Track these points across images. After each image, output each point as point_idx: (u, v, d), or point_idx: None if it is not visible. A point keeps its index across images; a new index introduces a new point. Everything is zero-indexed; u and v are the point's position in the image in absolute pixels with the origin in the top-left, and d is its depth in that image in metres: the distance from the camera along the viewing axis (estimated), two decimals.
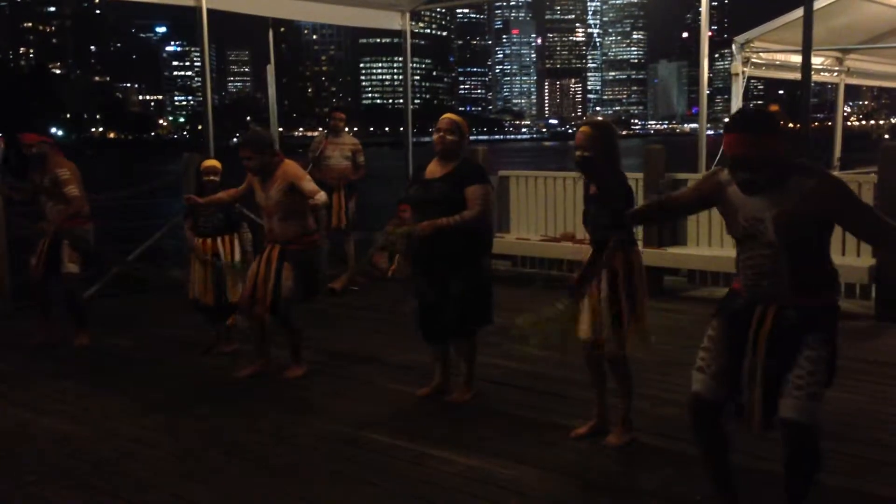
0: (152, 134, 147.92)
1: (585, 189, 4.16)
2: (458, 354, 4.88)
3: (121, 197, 9.52)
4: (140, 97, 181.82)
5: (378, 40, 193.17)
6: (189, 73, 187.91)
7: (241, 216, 6.28)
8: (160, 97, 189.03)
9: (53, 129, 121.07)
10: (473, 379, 4.91)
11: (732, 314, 3.02)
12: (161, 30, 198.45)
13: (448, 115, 4.81)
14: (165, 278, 8.54)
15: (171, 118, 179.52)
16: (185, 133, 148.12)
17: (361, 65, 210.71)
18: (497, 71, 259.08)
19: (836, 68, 12.07)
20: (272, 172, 5.22)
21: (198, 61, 11.21)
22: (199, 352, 6.02)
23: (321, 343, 6.20)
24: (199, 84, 9.30)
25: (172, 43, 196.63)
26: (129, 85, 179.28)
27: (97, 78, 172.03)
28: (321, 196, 5.24)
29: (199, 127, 13.10)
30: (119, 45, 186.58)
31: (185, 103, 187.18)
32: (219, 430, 4.49)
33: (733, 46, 9.85)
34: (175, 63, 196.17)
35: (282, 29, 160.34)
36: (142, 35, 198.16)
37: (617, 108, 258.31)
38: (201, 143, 8.95)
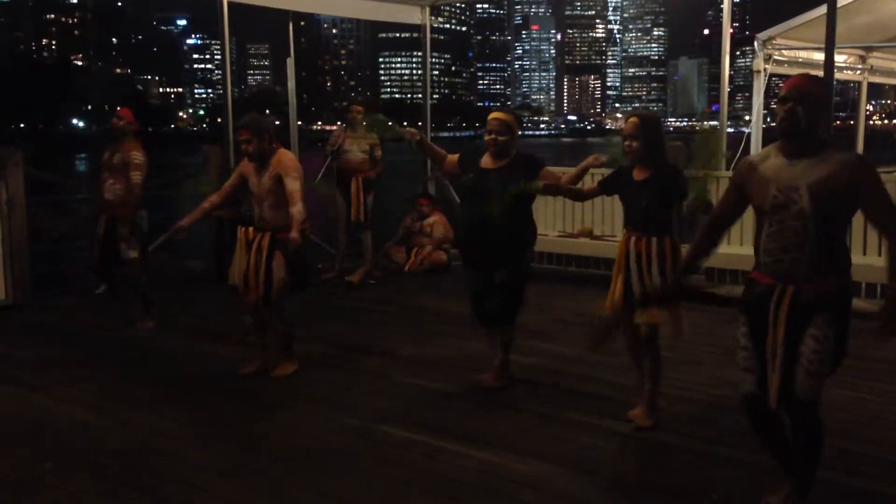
0: (172, 126, 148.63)
1: (620, 179, 4.29)
2: (498, 341, 5.00)
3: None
4: (160, 90, 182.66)
5: (397, 35, 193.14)
6: (209, 66, 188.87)
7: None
8: (180, 90, 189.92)
9: (74, 121, 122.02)
10: (508, 367, 5.01)
11: (754, 302, 3.15)
12: (182, 23, 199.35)
13: (496, 114, 4.83)
14: (185, 269, 8.62)
15: (190, 111, 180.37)
16: (204, 126, 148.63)
17: (380, 59, 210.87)
18: (516, 66, 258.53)
19: (859, 66, 11.94)
20: (267, 159, 5.14)
21: (218, 54, 11.24)
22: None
23: (337, 337, 6.22)
24: (219, 77, 9.32)
25: (193, 36, 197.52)
26: (149, 77, 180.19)
27: (118, 70, 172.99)
28: (298, 209, 5.01)
29: (219, 120, 13.15)
30: (140, 37, 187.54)
31: (204, 96, 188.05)
32: (236, 421, 4.52)
33: (755, 43, 9.76)
34: (195, 56, 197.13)
35: (301, 23, 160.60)
36: (163, 28, 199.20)
37: (636, 104, 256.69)
38: (221, 136, 8.99)
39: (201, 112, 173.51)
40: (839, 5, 7.96)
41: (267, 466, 3.90)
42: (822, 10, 8.26)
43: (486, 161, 4.81)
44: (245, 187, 5.31)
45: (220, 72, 9.55)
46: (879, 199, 3.02)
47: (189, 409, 4.72)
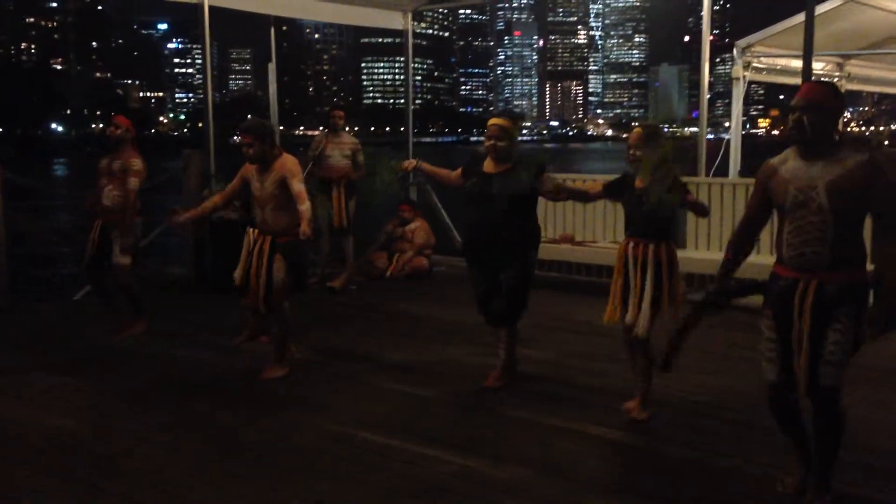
0: (153, 131, 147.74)
1: (624, 186, 4.45)
2: (502, 340, 5.10)
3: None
4: (141, 94, 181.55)
5: (380, 40, 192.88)
6: (190, 70, 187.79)
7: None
8: (161, 94, 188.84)
9: (54, 125, 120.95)
10: (512, 366, 5.12)
11: (778, 296, 3.33)
12: (163, 27, 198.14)
13: (495, 120, 4.94)
14: (165, 274, 8.57)
15: (171, 115, 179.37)
16: (185, 130, 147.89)
17: (363, 64, 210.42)
18: (498, 72, 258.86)
19: (837, 74, 12.07)
20: (270, 164, 5.22)
21: (199, 59, 11.21)
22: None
23: (319, 342, 6.21)
24: (200, 81, 9.30)
25: (174, 40, 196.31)
26: (130, 81, 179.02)
27: (98, 74, 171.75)
28: (307, 207, 5.14)
29: (200, 124, 13.10)
30: (121, 41, 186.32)
31: (185, 101, 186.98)
32: (217, 427, 4.50)
33: (734, 50, 9.85)
34: (177, 60, 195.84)
35: (284, 27, 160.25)
36: (144, 32, 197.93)
37: (618, 110, 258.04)
38: (202, 141, 8.96)
39: (182, 117, 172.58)
40: (817, 13, 8.05)
41: (247, 472, 3.88)
42: (801, 17, 8.34)
43: (488, 166, 4.94)
44: (248, 190, 5.38)
45: (201, 76, 9.52)
46: (890, 194, 3.19)
47: (169, 414, 4.69)
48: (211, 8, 8.48)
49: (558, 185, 4.75)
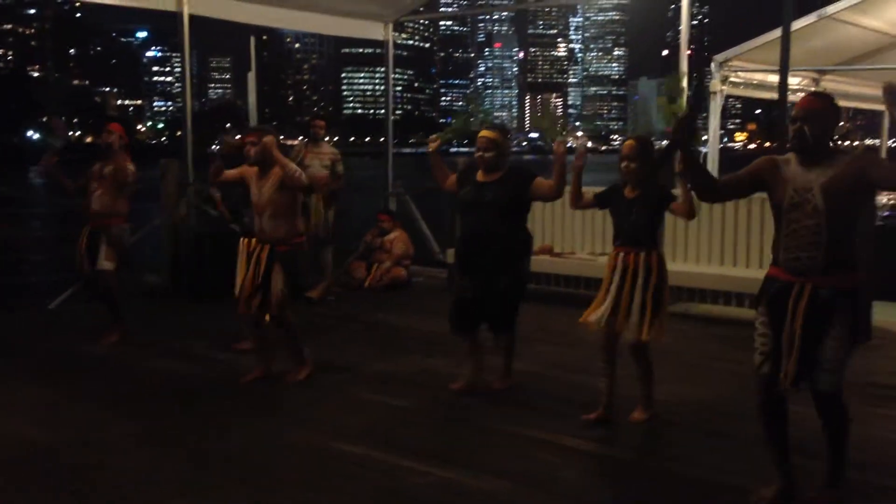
0: (130, 139, 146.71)
1: (614, 196, 4.57)
2: (499, 346, 5.23)
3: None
4: (119, 102, 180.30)
5: (361, 50, 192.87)
6: (170, 78, 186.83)
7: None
8: (139, 102, 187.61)
9: (30, 133, 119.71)
10: (512, 368, 5.24)
11: (773, 296, 3.44)
12: (142, 34, 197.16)
13: (483, 132, 5.06)
14: (141, 283, 8.50)
15: (149, 124, 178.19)
16: (163, 139, 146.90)
17: (343, 74, 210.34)
18: (479, 83, 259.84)
19: (813, 89, 12.21)
20: (269, 169, 5.24)
21: (178, 67, 11.16)
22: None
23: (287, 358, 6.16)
24: (179, 90, 9.27)
25: (153, 48, 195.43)
26: (108, 89, 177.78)
27: (76, 82, 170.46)
28: (299, 171, 5.19)
29: (178, 133, 13.02)
30: (99, 49, 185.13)
31: (164, 109, 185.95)
32: (191, 438, 4.45)
33: (712, 65, 9.94)
34: (156, 68, 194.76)
35: (264, 37, 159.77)
36: (122, 39, 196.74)
37: (597, 123, 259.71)
38: (180, 150, 8.90)
39: (161, 125, 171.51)
40: (793, 29, 8.15)
41: (222, 483, 3.84)
42: (777, 33, 8.44)
43: (480, 175, 5.05)
44: (246, 196, 5.46)
45: (180, 84, 9.48)
46: (884, 172, 3.30)
47: (143, 425, 4.64)
48: (190, 16, 8.45)
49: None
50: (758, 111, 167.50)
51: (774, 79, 8.50)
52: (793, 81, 10.49)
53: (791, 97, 10.56)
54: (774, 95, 8.56)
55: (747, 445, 4.28)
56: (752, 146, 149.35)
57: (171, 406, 4.98)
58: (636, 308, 4.37)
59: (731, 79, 10.03)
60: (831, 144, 3.41)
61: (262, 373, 5.44)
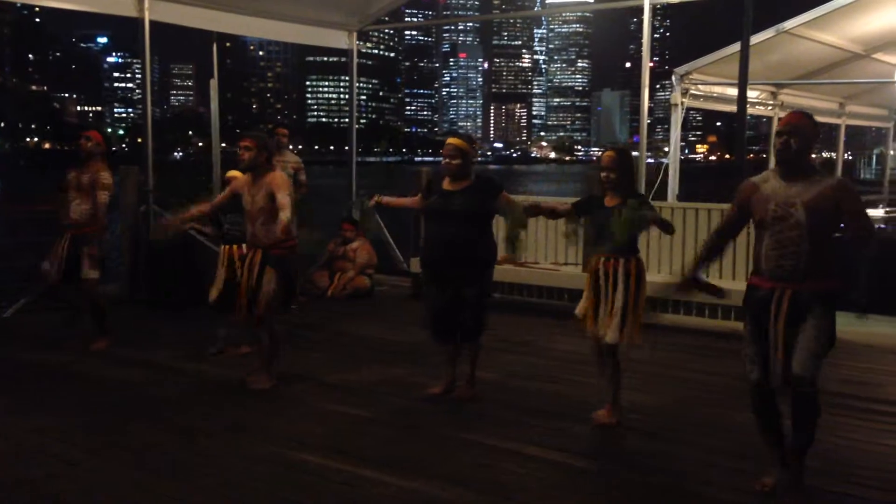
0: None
1: (593, 204, 4.74)
2: (467, 354, 5.25)
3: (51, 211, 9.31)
4: (79, 108, 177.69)
5: (325, 59, 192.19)
6: (131, 84, 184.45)
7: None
8: (99, 108, 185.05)
9: None
10: (475, 379, 5.29)
11: (756, 303, 3.71)
12: (102, 40, 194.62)
13: (450, 140, 5.18)
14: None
15: (110, 130, 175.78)
16: (124, 146, 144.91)
17: (308, 82, 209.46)
18: (444, 93, 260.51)
19: (771, 102, 12.44)
20: (262, 176, 5.34)
21: (140, 73, 11.04)
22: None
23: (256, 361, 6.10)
24: (140, 96, 9.17)
25: (114, 54, 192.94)
26: (67, 95, 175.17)
27: (34, 87, 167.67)
28: (286, 216, 5.21)
29: (139, 140, 12.86)
30: (58, 54, 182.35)
31: (125, 115, 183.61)
32: (148, 449, 4.38)
33: (673, 78, 10.09)
34: (116, 74, 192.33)
35: (227, 44, 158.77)
36: (82, 45, 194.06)
37: (561, 133, 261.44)
38: (140, 156, 8.79)
39: (121, 132, 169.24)
40: (752, 43, 8.29)
41: (180, 496, 3.78)
42: (737, 47, 8.58)
43: (447, 184, 5.13)
44: (231, 206, 5.63)
45: (141, 91, 9.37)
46: (857, 212, 3.66)
47: (100, 437, 4.55)
48: (152, 22, 8.36)
49: (533, 205, 5.06)
50: (718, 123, 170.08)
51: (734, 92, 8.64)
52: (751, 95, 10.69)
53: (750, 110, 10.77)
54: (734, 108, 8.71)
55: (707, 452, 4.33)
56: (712, 158, 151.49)
57: (129, 417, 4.89)
58: (617, 311, 4.54)
59: (692, 91, 10.18)
60: (810, 164, 3.69)
61: (268, 378, 5.46)
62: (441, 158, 5.17)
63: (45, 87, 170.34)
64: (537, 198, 5.59)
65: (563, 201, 4.98)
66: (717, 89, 10.74)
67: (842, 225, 3.69)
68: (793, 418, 3.64)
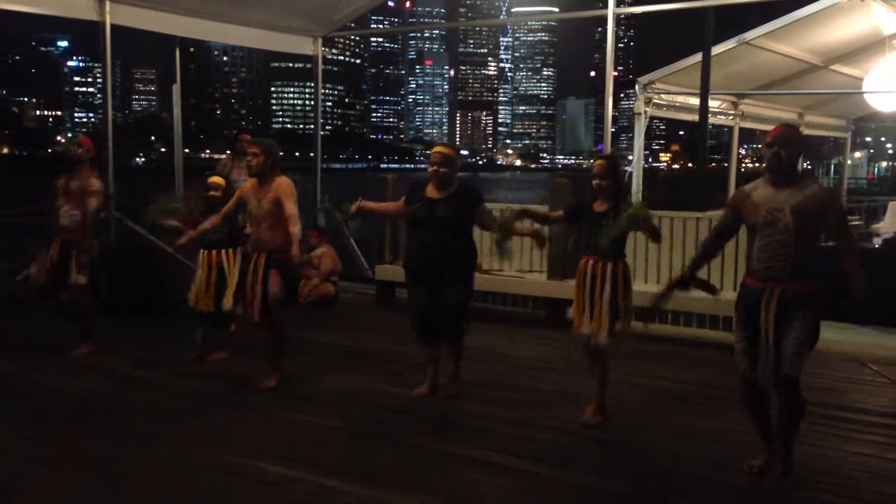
0: (49, 150, 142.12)
1: (583, 210, 4.92)
2: (450, 354, 5.41)
3: (10, 214, 9.16)
4: (38, 112, 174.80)
5: (290, 65, 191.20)
6: (92, 89, 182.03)
7: (243, 232, 6.27)
8: (59, 113, 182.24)
9: None
10: (460, 376, 5.46)
11: (748, 301, 4.00)
12: (63, 44, 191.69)
13: (439, 148, 5.36)
14: (58, 298, 8.19)
15: (70, 135, 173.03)
16: None
17: (273, 88, 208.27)
18: (410, 100, 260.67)
19: (732, 112, 12.62)
20: (269, 182, 5.51)
21: (101, 78, 10.89)
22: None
23: (219, 370, 6.04)
24: (101, 101, 9.03)
25: (75, 58, 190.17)
26: (26, 99, 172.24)
27: None
28: (297, 230, 5.40)
29: (100, 145, 12.65)
30: (17, 57, 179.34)
31: (85, 120, 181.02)
32: (106, 459, 4.29)
33: (637, 87, 10.18)
34: (77, 79, 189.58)
35: (191, 49, 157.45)
36: (42, 48, 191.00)
37: (526, 141, 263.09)
38: (101, 162, 8.65)
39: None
40: (713, 54, 8.41)
41: None
42: (699, 57, 8.70)
43: (431, 191, 5.27)
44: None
45: (102, 95, 9.25)
46: (839, 222, 4.00)
47: (56, 447, 4.46)
48: (113, 26, 8.26)
49: (523, 210, 5.22)
50: (681, 132, 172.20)
51: (696, 101, 8.75)
52: (713, 104, 10.83)
53: (712, 119, 10.91)
54: (696, 117, 8.81)
55: (670, 459, 4.35)
56: (675, 166, 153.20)
57: (87, 426, 4.80)
58: (605, 311, 4.70)
59: (655, 101, 10.28)
60: (797, 172, 3.99)
61: (276, 379, 5.62)
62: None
63: (4, 91, 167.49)
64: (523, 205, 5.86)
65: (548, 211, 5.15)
66: (680, 98, 10.86)
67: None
68: (779, 418, 3.91)
